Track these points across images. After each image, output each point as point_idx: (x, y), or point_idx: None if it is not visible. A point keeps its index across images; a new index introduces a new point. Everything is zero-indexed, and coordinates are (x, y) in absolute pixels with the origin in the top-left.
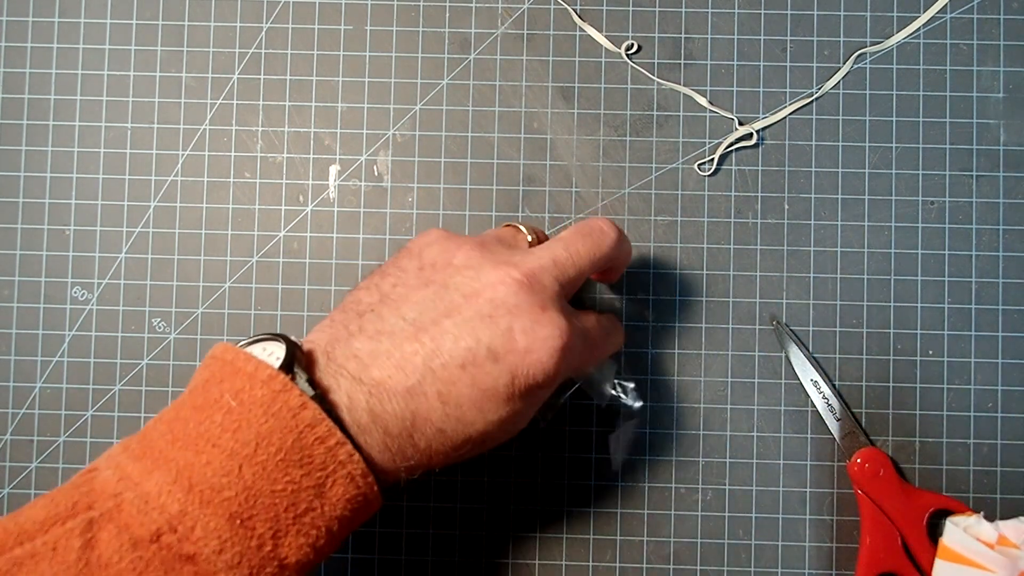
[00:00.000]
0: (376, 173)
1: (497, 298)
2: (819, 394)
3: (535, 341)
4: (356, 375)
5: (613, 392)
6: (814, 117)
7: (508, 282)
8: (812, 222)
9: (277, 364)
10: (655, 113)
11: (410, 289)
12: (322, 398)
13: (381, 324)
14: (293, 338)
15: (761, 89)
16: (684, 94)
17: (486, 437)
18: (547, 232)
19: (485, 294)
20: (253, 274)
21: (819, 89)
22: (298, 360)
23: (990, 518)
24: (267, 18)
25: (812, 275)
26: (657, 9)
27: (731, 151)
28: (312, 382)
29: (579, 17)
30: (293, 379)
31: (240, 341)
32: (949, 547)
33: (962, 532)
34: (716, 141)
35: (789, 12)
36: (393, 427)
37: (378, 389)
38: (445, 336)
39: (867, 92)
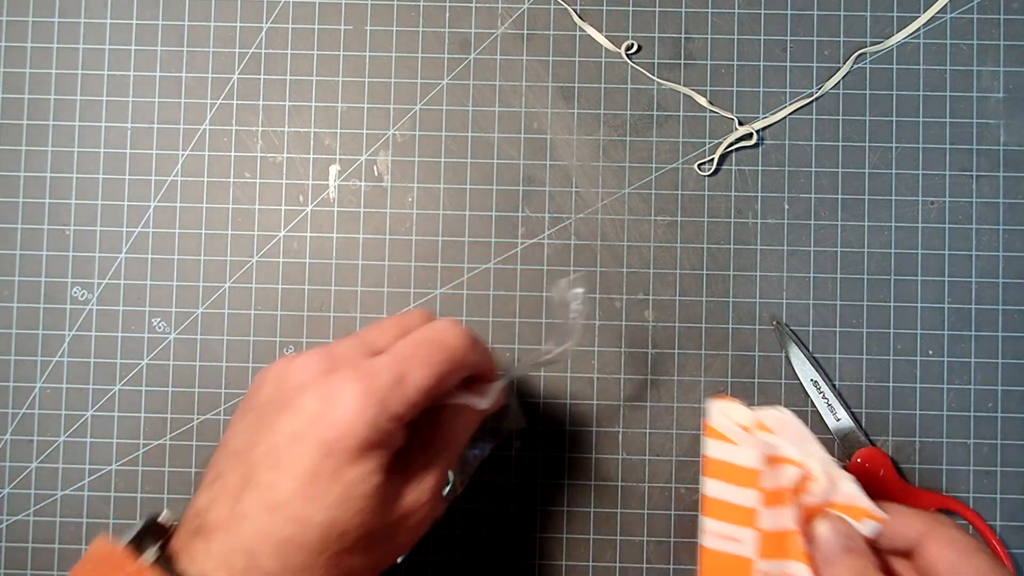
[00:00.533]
0: (376, 173)
1: (290, 386)
2: (819, 394)
3: (326, 403)
4: (197, 529)
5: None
6: (814, 117)
7: (301, 366)
8: (812, 222)
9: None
10: (655, 113)
11: (235, 423)
12: (167, 561)
13: (215, 470)
14: (163, 514)
15: (761, 89)
16: (684, 94)
17: (346, 527)
18: (547, 230)
19: (285, 389)
20: (253, 274)
21: (819, 89)
22: (153, 533)
23: (750, 407)
24: (267, 18)
25: (812, 275)
26: (657, 9)
27: (731, 151)
28: (164, 550)
29: (579, 17)
30: (140, 551)
31: (120, 535)
32: (712, 427)
33: (721, 414)
34: (716, 141)
35: (789, 12)
36: (238, 563)
37: (215, 532)
38: (257, 448)
39: (867, 92)
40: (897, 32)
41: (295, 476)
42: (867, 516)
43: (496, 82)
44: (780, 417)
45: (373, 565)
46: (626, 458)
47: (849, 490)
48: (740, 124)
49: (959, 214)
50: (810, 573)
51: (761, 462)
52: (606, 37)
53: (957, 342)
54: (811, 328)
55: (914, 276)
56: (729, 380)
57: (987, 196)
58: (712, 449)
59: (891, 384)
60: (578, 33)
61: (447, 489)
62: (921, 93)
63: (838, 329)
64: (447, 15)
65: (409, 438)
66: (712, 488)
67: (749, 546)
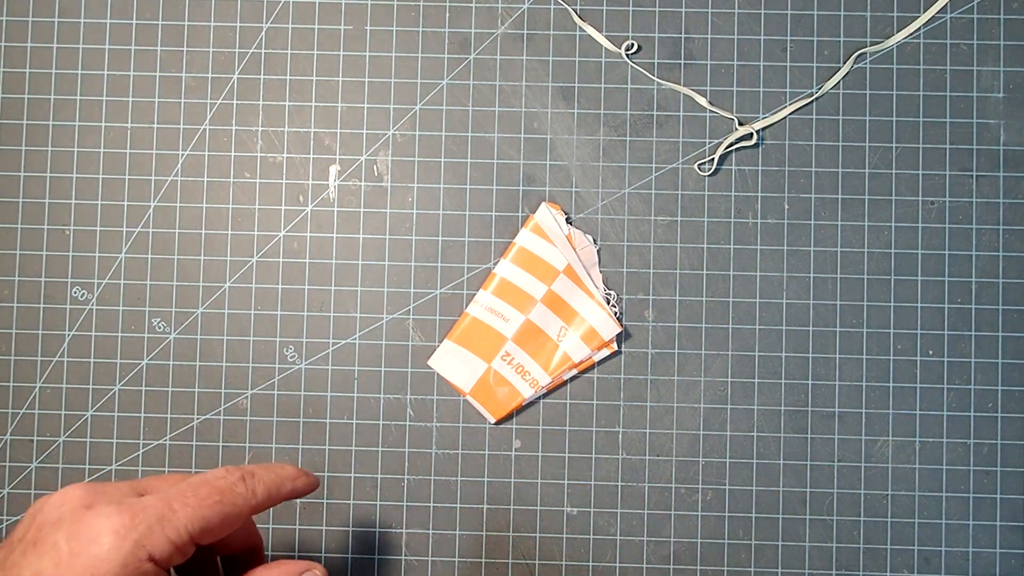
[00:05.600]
0: (376, 173)
1: (46, 520)
2: None
3: (80, 542)
4: None
5: None
6: (814, 117)
7: (58, 500)
8: (812, 222)
9: None
10: (655, 113)
11: None
12: None
13: None
14: None
15: (761, 89)
16: (684, 94)
17: None
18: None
19: (40, 524)
20: (253, 274)
21: (819, 89)
22: None
23: (570, 221)
24: (267, 18)
25: (812, 275)
26: (657, 9)
27: (731, 151)
28: None
29: (579, 17)
30: None
31: None
32: (536, 222)
33: (550, 216)
34: (716, 141)
35: (789, 12)
36: None
37: None
38: None
39: (867, 92)
40: (897, 32)
41: None
42: (604, 346)
43: (496, 82)
44: (588, 246)
45: None
46: (626, 458)
47: (599, 320)
48: (740, 124)
49: (959, 214)
50: (542, 371)
51: (562, 267)
52: (606, 37)
53: (957, 342)
54: (811, 328)
55: (914, 276)
56: (729, 380)
57: (987, 196)
58: (526, 240)
59: (891, 384)
60: (578, 33)
61: None
62: (921, 93)
63: (838, 329)
64: (447, 15)
65: None
66: (507, 270)
67: (512, 327)
